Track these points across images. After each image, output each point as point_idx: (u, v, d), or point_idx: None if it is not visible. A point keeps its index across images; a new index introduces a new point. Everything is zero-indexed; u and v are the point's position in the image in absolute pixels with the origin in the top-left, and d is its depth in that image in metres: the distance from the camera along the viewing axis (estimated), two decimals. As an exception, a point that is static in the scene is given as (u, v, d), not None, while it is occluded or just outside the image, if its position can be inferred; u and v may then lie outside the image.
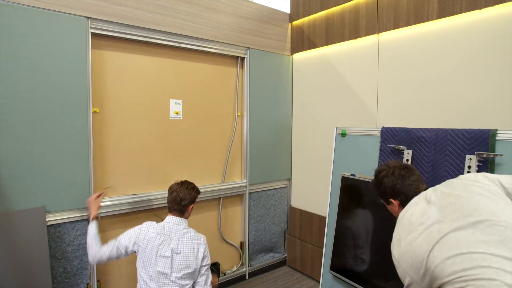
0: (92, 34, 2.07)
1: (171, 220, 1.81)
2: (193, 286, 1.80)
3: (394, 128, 2.03)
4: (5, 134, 1.77)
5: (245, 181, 2.93)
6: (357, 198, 2.17)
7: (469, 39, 1.98)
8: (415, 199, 1.22)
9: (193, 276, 1.78)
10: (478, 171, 1.66)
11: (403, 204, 1.29)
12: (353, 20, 2.61)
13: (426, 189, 1.28)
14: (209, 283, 1.83)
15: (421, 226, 1.08)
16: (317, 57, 2.96)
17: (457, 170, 1.74)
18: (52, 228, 1.95)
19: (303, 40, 3.06)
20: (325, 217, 2.42)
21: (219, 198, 2.82)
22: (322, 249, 2.40)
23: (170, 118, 2.50)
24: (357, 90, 2.61)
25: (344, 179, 2.26)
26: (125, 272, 2.34)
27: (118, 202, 2.23)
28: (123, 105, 2.27)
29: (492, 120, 1.88)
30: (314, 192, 3.04)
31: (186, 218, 1.86)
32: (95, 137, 2.13)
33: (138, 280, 1.74)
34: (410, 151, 1.92)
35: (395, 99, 2.36)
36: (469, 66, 1.98)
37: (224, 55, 2.78)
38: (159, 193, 2.40)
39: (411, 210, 1.17)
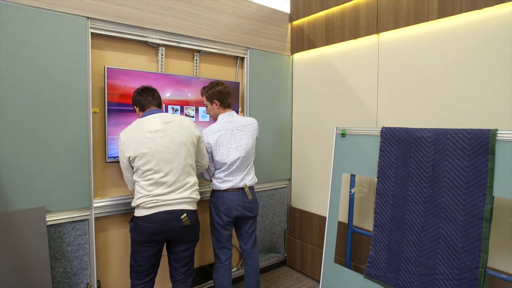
0: (92, 34, 2.07)
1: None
2: None
3: (394, 128, 2.03)
4: (5, 134, 1.77)
5: (245, 181, 2.93)
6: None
7: (469, 39, 1.98)
8: None
9: None
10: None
11: None
12: (353, 20, 2.61)
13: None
14: None
15: None
16: (317, 57, 2.96)
17: (457, 170, 1.74)
18: (52, 228, 1.95)
19: (303, 40, 3.06)
20: (325, 217, 2.42)
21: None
22: (322, 249, 2.40)
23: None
24: (357, 90, 2.61)
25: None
26: (125, 272, 2.34)
27: (118, 202, 2.23)
28: (123, 105, 2.27)
29: (492, 120, 1.89)
30: (314, 192, 3.04)
31: None
32: (95, 137, 2.13)
33: None
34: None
35: (395, 99, 2.36)
36: (469, 66, 1.98)
37: (224, 55, 2.78)
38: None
39: None
